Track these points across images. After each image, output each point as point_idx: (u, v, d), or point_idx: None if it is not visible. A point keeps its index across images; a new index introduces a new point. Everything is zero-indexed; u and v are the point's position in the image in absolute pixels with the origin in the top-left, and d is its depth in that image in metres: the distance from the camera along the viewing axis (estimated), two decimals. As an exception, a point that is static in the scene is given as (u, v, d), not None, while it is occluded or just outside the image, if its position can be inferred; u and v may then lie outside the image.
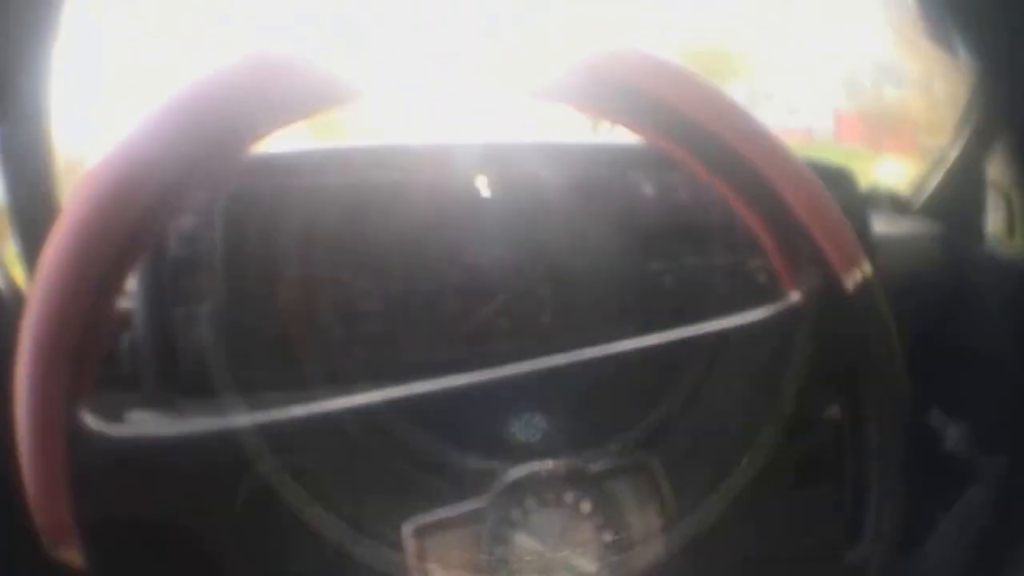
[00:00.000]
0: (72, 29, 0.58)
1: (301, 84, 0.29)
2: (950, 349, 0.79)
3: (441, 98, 0.37)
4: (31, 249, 0.56)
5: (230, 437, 0.31)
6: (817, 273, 0.37)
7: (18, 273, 0.54)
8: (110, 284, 0.28)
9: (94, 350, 0.29)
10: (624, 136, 0.57)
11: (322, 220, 0.51)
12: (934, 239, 0.84)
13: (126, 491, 0.30)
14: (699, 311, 0.51)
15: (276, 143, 0.54)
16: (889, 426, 0.41)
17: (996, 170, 0.80)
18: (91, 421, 0.29)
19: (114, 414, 0.43)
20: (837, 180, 0.69)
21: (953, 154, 0.85)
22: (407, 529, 0.33)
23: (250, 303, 0.50)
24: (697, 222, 0.57)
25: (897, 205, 0.91)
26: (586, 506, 0.35)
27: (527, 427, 0.35)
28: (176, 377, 0.48)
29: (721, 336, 0.39)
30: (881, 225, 0.77)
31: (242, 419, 0.31)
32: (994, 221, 0.83)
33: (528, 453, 0.35)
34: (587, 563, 0.35)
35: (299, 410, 0.32)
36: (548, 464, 0.34)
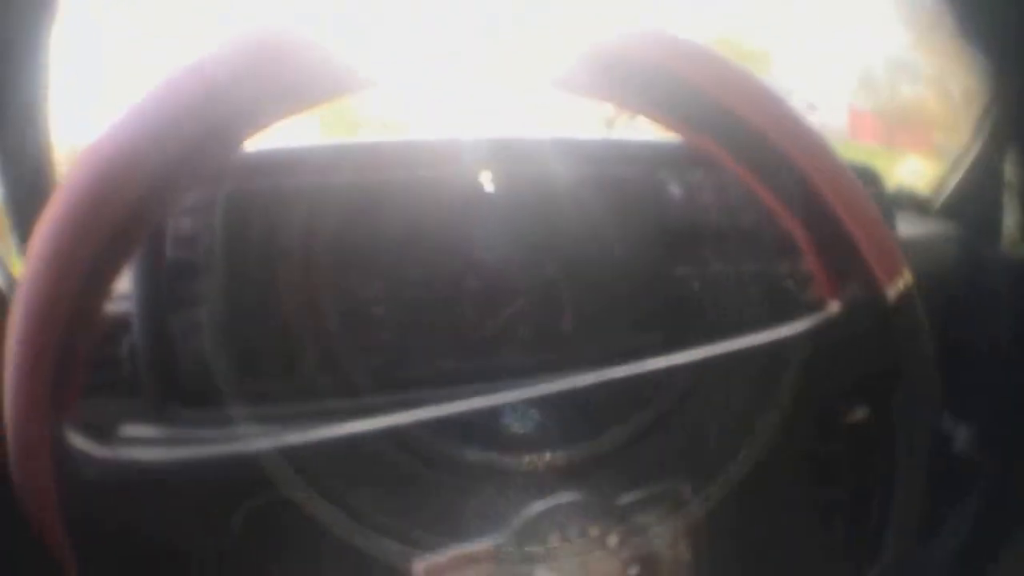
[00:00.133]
0: (69, 25, 0.57)
1: (306, 68, 0.27)
2: (961, 351, 0.78)
3: (455, 89, 0.35)
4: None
5: (225, 463, 0.29)
6: (860, 283, 0.36)
7: (18, 271, 0.52)
8: (95, 287, 0.26)
9: (79, 359, 0.27)
10: (646, 133, 0.55)
11: (328, 221, 0.49)
12: (951, 240, 0.83)
13: (115, 512, 0.28)
14: (727, 320, 0.49)
15: (281, 139, 0.52)
16: (920, 434, 0.41)
17: (1013, 171, 0.80)
18: (77, 440, 0.27)
19: (108, 425, 0.42)
20: (864, 181, 0.67)
21: (972, 154, 0.84)
22: (418, 568, 0.31)
23: (252, 309, 0.48)
24: (724, 225, 0.55)
25: (917, 206, 0.89)
26: (612, 540, 0.33)
27: (551, 454, 0.33)
28: (174, 386, 0.46)
29: (759, 350, 0.37)
30: (902, 226, 0.75)
31: (237, 445, 0.29)
32: (1010, 223, 0.82)
33: (552, 482, 0.33)
34: None
35: (299, 436, 0.30)
36: (573, 497, 0.33)
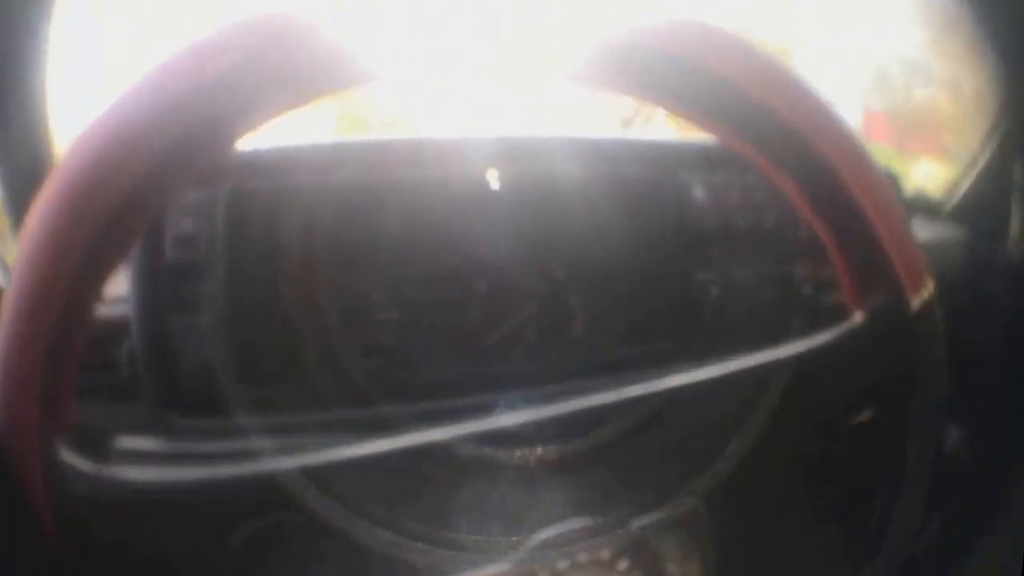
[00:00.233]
0: (69, 20, 0.57)
1: (313, 56, 0.25)
2: (967, 353, 0.78)
3: (466, 83, 0.34)
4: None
5: (225, 484, 0.28)
6: (886, 290, 0.35)
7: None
8: (87, 284, 0.25)
9: (70, 367, 0.26)
10: (664, 132, 0.54)
11: (333, 221, 0.48)
12: (960, 244, 0.82)
13: (108, 530, 0.27)
14: (745, 327, 0.48)
15: (286, 137, 0.51)
16: (930, 439, 0.41)
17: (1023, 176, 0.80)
18: (69, 456, 0.26)
19: (105, 435, 0.41)
20: (885, 185, 0.65)
21: (983, 158, 0.83)
22: None
23: (254, 311, 0.47)
24: (742, 228, 0.53)
25: (928, 210, 0.88)
26: (623, 563, 0.32)
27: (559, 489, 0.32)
28: (174, 393, 0.45)
29: (783, 363, 0.35)
30: (914, 230, 0.74)
31: (238, 466, 0.28)
32: (1018, 227, 0.81)
33: (543, 476, 0.32)
34: None
35: (309, 455, 0.29)
36: (582, 522, 0.31)
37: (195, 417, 0.44)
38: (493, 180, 0.50)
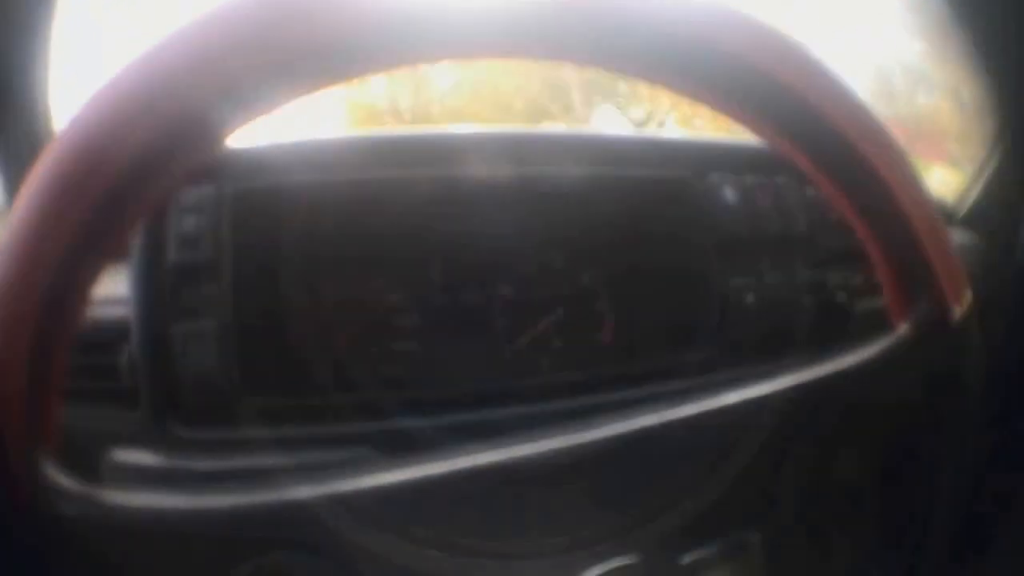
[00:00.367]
0: (71, 27, 0.56)
1: (321, 37, 0.23)
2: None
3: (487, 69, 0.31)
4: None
5: (227, 516, 0.25)
6: (930, 301, 0.34)
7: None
8: (67, 290, 0.22)
9: (56, 373, 0.23)
10: (698, 132, 0.52)
11: (344, 222, 0.45)
12: (971, 251, 0.82)
13: (97, 554, 0.24)
14: (783, 336, 0.47)
15: (295, 133, 0.48)
16: (967, 452, 0.41)
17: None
18: (56, 474, 0.23)
19: (99, 445, 0.38)
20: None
21: (990, 166, 0.84)
22: None
23: (261, 316, 0.43)
24: (779, 232, 0.51)
25: (944, 217, 0.88)
26: None
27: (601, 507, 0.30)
28: (174, 402, 0.41)
29: (835, 379, 0.33)
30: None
31: (241, 496, 0.25)
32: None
33: (604, 541, 0.29)
34: None
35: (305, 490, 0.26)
36: (630, 561, 0.29)
37: (197, 428, 0.41)
38: (516, 180, 0.47)
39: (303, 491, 0.25)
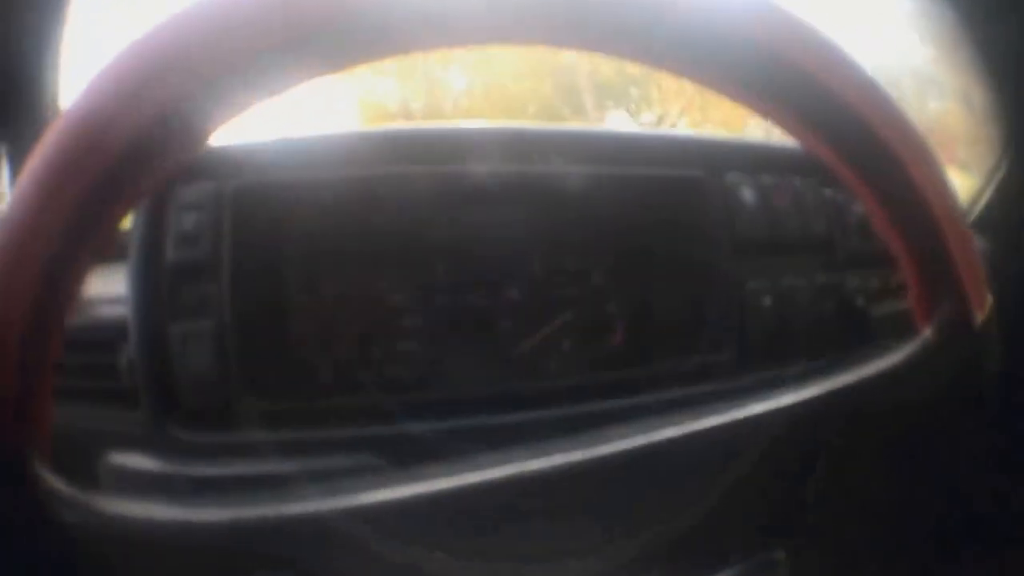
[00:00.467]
0: (80, 31, 0.55)
1: (325, 16, 0.22)
2: None
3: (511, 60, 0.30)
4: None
5: (226, 531, 0.23)
6: (953, 304, 0.33)
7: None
8: (65, 267, 0.21)
9: (44, 374, 0.22)
10: (714, 130, 0.51)
11: (350, 219, 0.44)
12: (984, 256, 0.81)
13: (93, 565, 0.23)
14: (802, 341, 0.45)
15: (301, 128, 0.47)
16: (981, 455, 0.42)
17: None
18: (48, 478, 0.22)
19: (97, 447, 0.36)
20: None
21: (1000, 170, 0.84)
22: None
23: (262, 316, 0.42)
24: (797, 233, 0.50)
25: None
26: None
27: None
28: (175, 407, 0.40)
29: (855, 386, 0.33)
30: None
31: (241, 509, 0.24)
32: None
33: (626, 561, 0.28)
34: None
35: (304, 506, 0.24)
36: None
37: (197, 431, 0.39)
38: (524, 177, 0.46)
39: (303, 506, 0.24)
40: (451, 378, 0.45)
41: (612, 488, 0.28)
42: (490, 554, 0.26)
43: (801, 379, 0.33)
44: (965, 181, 0.91)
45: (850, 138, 0.29)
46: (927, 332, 0.34)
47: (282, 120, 0.46)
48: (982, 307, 0.34)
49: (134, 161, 0.21)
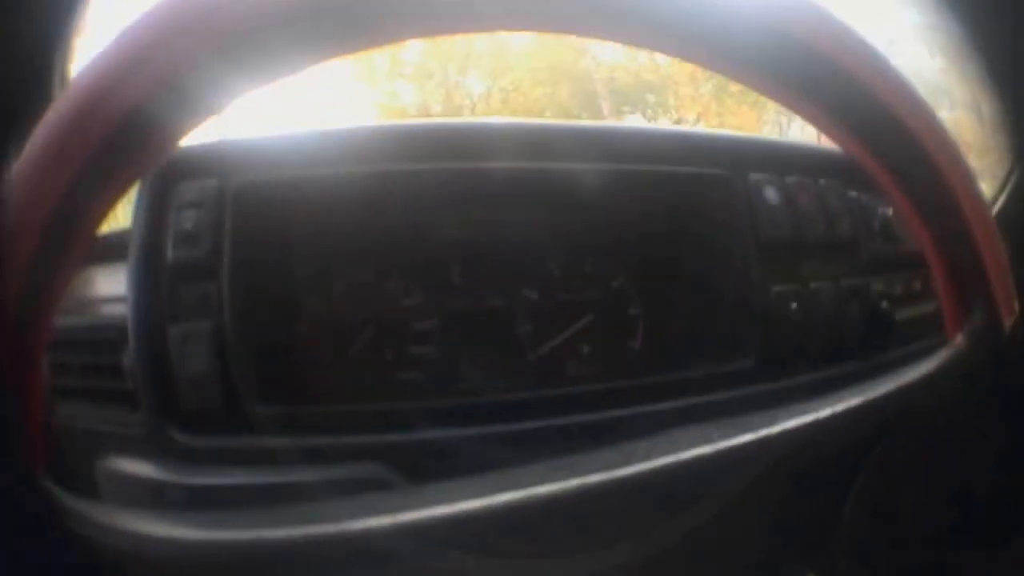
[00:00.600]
0: (94, 34, 0.55)
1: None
2: None
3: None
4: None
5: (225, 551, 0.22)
6: (984, 312, 0.33)
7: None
8: (71, 222, 0.21)
9: (37, 374, 0.21)
10: (740, 130, 0.49)
11: (359, 218, 0.42)
12: None
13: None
14: (829, 346, 0.45)
15: (306, 125, 0.46)
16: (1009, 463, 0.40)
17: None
18: (49, 487, 0.22)
19: (98, 449, 0.35)
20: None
21: (1012, 179, 0.84)
22: None
23: (265, 318, 0.40)
24: (823, 236, 0.48)
25: None
26: None
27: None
28: (175, 410, 0.38)
29: (890, 396, 0.32)
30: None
31: (244, 530, 0.23)
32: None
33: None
34: None
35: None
36: None
37: (198, 435, 0.38)
38: (540, 175, 0.44)
39: (296, 530, 0.22)
40: (466, 383, 0.43)
41: (639, 506, 0.27)
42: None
43: (831, 389, 0.32)
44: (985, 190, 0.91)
45: (887, 139, 0.29)
46: (958, 339, 0.33)
47: (297, 123, 0.44)
48: (1011, 314, 0.33)
49: (136, 129, 0.20)
